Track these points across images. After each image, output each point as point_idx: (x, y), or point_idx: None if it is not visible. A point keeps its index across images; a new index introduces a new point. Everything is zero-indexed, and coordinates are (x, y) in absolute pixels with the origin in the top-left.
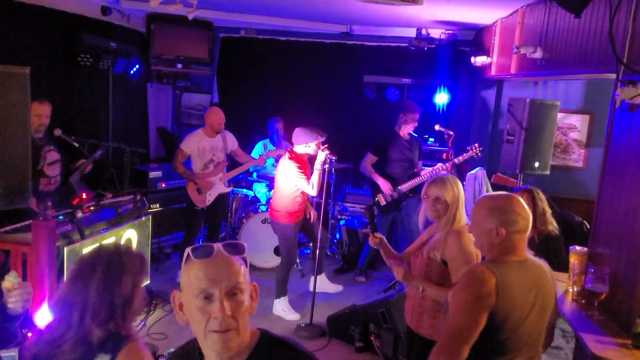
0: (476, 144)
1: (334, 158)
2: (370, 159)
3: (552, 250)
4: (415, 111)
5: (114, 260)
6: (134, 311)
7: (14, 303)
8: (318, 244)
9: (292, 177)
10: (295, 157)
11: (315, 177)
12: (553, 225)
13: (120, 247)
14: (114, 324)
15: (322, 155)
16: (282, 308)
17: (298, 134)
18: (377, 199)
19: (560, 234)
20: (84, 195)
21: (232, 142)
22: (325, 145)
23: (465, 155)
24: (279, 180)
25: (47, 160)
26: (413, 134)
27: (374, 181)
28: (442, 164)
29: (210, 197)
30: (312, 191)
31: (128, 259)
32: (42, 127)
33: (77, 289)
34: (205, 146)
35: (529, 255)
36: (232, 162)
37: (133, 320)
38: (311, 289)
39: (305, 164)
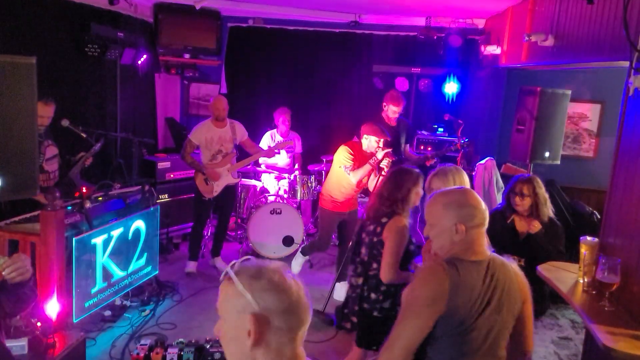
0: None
1: (391, 159)
2: None
3: (554, 234)
4: (397, 104)
5: None
6: None
7: (9, 274)
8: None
9: (339, 160)
10: (351, 144)
11: (362, 169)
12: (550, 210)
13: None
14: None
15: (380, 153)
16: (297, 263)
17: (364, 125)
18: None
19: (566, 221)
20: (84, 190)
21: (241, 133)
22: (388, 149)
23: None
24: (333, 164)
25: (46, 156)
26: (404, 118)
27: None
28: (428, 155)
29: (218, 187)
30: (352, 178)
31: None
32: (43, 127)
33: None
34: (214, 137)
35: (489, 252)
36: (241, 153)
37: None
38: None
39: (361, 155)
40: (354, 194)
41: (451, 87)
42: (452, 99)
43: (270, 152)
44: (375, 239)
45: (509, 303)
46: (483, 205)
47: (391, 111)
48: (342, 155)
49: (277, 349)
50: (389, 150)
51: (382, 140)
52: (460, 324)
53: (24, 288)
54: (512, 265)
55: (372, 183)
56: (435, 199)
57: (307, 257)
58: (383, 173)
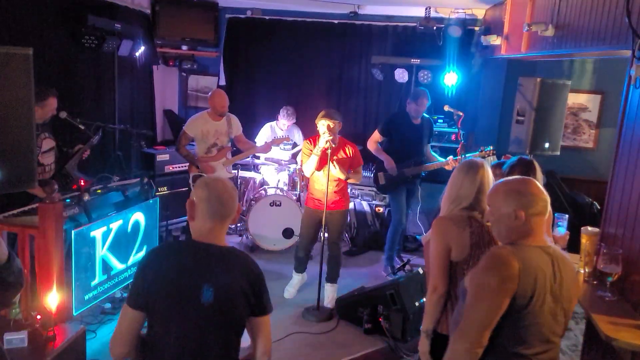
0: (491, 148)
1: (330, 146)
2: (376, 136)
3: None
4: (422, 98)
5: None
6: None
7: None
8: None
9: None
10: (313, 137)
11: (309, 160)
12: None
13: None
14: None
15: (322, 140)
16: (292, 285)
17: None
18: (377, 176)
19: (566, 212)
20: (81, 182)
21: (236, 127)
22: (329, 137)
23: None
24: None
25: (42, 149)
26: (425, 115)
27: (377, 161)
28: (452, 157)
29: None
30: (305, 172)
31: None
32: (46, 118)
33: None
34: (210, 129)
35: (549, 242)
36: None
37: None
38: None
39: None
40: (336, 189)
41: (451, 78)
42: (452, 90)
43: (267, 148)
44: None
45: (568, 295)
46: (545, 194)
47: (419, 104)
48: (302, 149)
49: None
50: (330, 138)
51: (323, 124)
52: (525, 307)
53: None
54: (565, 255)
55: (331, 173)
56: (497, 187)
57: (303, 274)
58: (334, 164)
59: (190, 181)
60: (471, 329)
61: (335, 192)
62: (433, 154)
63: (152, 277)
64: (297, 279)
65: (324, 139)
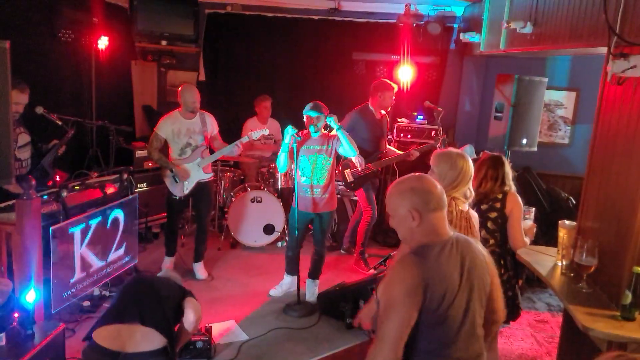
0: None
1: (295, 138)
2: None
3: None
4: (391, 89)
5: None
6: None
7: None
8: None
9: None
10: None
11: (280, 156)
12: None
13: None
14: None
15: (287, 136)
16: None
17: None
18: (345, 174)
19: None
20: (57, 178)
21: (212, 126)
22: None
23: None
24: None
25: (18, 143)
26: (382, 111)
27: (342, 158)
28: (414, 151)
29: (189, 185)
30: (278, 168)
31: None
32: (17, 113)
33: None
34: (181, 128)
35: (452, 231)
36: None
37: None
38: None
39: (305, 140)
40: (323, 190)
41: (431, 75)
42: (432, 86)
43: (238, 150)
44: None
45: (480, 280)
46: (439, 188)
47: (387, 97)
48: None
49: None
50: (293, 133)
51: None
52: (437, 309)
53: None
54: (476, 242)
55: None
56: (391, 189)
57: (294, 277)
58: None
59: (165, 199)
60: (385, 344)
61: (323, 193)
62: (390, 147)
63: None
64: (287, 280)
65: (289, 135)
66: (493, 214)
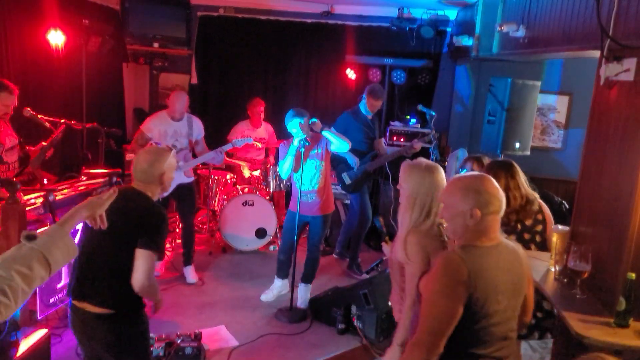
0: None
1: (304, 143)
2: None
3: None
4: (379, 98)
5: None
6: None
7: None
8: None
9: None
10: (288, 140)
11: (285, 161)
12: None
13: None
14: None
15: (295, 140)
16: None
17: None
18: (342, 177)
19: None
20: (45, 181)
21: (198, 131)
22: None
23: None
24: None
25: (5, 146)
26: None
27: (338, 161)
28: (417, 141)
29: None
30: (281, 173)
31: None
32: (8, 115)
33: None
34: (168, 130)
35: (502, 238)
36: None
37: None
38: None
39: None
40: (319, 194)
41: (423, 79)
42: (425, 90)
43: (218, 157)
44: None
45: (520, 287)
46: (501, 193)
47: (373, 103)
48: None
49: None
50: (302, 137)
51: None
52: (479, 310)
53: None
54: (519, 249)
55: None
56: (454, 182)
57: (284, 280)
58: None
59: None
60: (427, 337)
61: (317, 196)
62: (385, 146)
63: None
64: (278, 284)
65: (296, 139)
66: (539, 227)
